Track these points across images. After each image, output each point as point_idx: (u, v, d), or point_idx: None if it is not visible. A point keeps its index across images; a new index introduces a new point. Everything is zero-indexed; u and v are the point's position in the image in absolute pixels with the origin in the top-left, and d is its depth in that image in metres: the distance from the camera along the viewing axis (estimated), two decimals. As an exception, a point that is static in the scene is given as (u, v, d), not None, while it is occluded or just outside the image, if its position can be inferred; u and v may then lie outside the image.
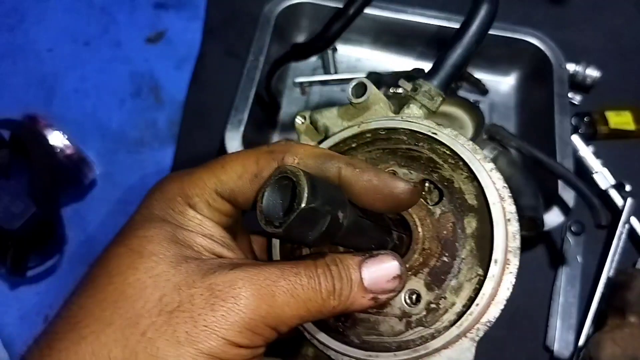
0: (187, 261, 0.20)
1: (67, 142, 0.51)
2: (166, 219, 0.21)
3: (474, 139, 0.49)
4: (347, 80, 0.61)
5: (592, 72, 0.60)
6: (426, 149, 0.25)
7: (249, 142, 0.51)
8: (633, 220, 0.52)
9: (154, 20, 0.66)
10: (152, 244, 0.20)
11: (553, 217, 0.47)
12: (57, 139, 0.51)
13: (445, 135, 0.24)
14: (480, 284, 0.22)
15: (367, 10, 0.59)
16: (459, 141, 0.24)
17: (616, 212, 0.52)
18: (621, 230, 0.51)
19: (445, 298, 0.22)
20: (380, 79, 0.56)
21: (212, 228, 0.22)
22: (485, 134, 0.50)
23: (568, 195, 0.48)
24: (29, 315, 0.50)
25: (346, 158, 0.22)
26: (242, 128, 0.51)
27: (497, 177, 0.23)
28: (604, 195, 0.54)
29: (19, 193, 0.46)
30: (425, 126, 0.24)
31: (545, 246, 0.53)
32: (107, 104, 0.60)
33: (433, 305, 0.22)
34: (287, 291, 0.19)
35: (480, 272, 0.22)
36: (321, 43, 0.45)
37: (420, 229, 0.23)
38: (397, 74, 0.57)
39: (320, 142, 0.27)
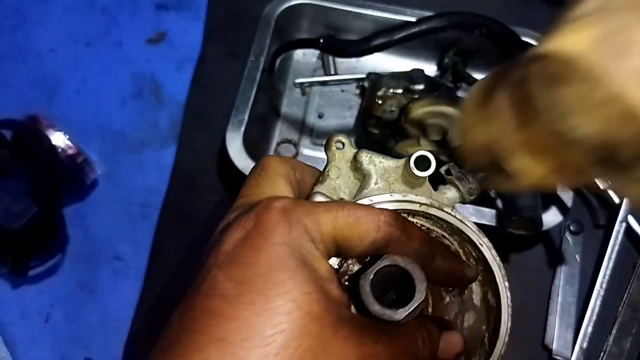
0: (341, 326, 0.20)
1: (68, 143, 0.52)
2: (311, 266, 0.20)
3: None
4: (347, 81, 0.62)
5: (591, 73, 0.60)
6: (457, 242, 0.27)
7: (249, 143, 0.51)
8: (630, 218, 0.53)
9: (155, 22, 0.66)
10: (315, 302, 0.19)
11: (551, 217, 0.48)
12: (58, 139, 0.52)
13: (480, 238, 0.26)
14: None
15: (367, 11, 0.60)
16: (492, 252, 0.26)
17: (614, 211, 0.53)
18: (618, 229, 0.52)
19: None
20: (380, 80, 0.56)
21: (335, 279, 0.22)
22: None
23: (566, 195, 0.49)
24: (30, 314, 0.50)
25: (441, 247, 0.25)
26: (243, 128, 0.51)
27: (510, 298, 0.26)
28: (602, 194, 0.54)
29: (20, 193, 0.46)
30: (470, 229, 0.26)
31: (544, 246, 0.53)
32: (109, 105, 0.60)
33: None
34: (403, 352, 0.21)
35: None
36: (354, 50, 0.46)
37: (430, 308, 0.27)
38: (396, 74, 0.57)
39: (360, 189, 0.27)
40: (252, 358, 0.18)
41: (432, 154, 0.25)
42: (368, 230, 0.22)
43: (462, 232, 0.26)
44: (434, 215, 0.26)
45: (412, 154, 0.25)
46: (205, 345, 0.18)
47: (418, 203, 0.25)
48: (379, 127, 0.53)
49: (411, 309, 0.22)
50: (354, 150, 0.28)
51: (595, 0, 0.14)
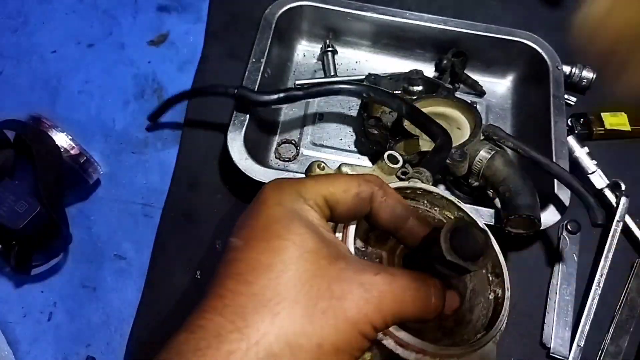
0: (338, 258, 0.24)
1: (71, 143, 0.52)
2: (303, 217, 0.24)
3: (471, 139, 0.49)
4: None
5: (588, 74, 0.61)
6: (438, 212, 0.31)
7: (250, 143, 0.51)
8: (627, 218, 0.53)
9: (157, 23, 0.67)
10: (309, 239, 0.23)
11: (549, 216, 0.48)
12: (61, 139, 0.52)
13: (460, 205, 0.31)
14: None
15: (367, 14, 0.61)
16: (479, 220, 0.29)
17: (611, 210, 0.53)
18: (615, 228, 0.52)
19: (464, 315, 0.28)
20: (379, 81, 0.57)
21: (328, 226, 0.26)
22: (483, 134, 0.50)
23: (564, 194, 0.49)
24: (33, 313, 0.50)
25: (416, 211, 0.28)
26: (244, 129, 0.52)
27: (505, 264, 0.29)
28: (599, 194, 0.55)
29: (23, 193, 0.47)
30: (449, 199, 0.31)
31: (542, 245, 0.53)
32: (111, 105, 0.61)
33: (458, 319, 0.28)
34: (413, 300, 0.24)
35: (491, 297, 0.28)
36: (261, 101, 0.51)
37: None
38: (395, 75, 0.58)
39: None
40: (260, 282, 0.22)
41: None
42: (349, 184, 0.26)
43: (444, 200, 0.30)
44: (421, 189, 0.30)
45: (384, 153, 0.31)
46: (224, 281, 0.23)
47: (405, 186, 0.30)
48: (379, 128, 0.53)
49: (487, 261, 0.23)
50: (335, 169, 0.33)
51: None
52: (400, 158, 0.31)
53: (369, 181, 0.26)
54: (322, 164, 0.32)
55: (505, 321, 0.27)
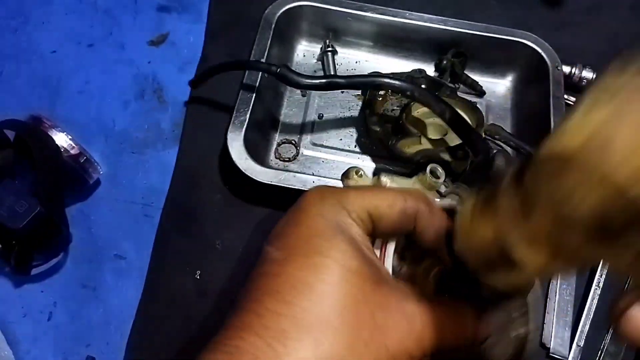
0: (381, 283, 0.23)
1: (71, 143, 0.52)
2: (347, 233, 0.23)
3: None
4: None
5: (588, 74, 0.61)
6: None
7: (250, 143, 0.52)
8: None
9: (157, 24, 0.67)
10: (352, 258, 0.22)
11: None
12: (61, 139, 0.52)
13: None
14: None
15: (367, 14, 0.61)
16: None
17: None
18: (615, 229, 0.52)
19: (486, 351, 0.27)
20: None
21: (370, 244, 0.25)
22: (485, 133, 0.51)
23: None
24: (33, 313, 0.50)
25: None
26: (244, 129, 0.52)
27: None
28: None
29: (23, 192, 0.47)
30: None
31: (542, 245, 0.53)
32: (111, 106, 0.61)
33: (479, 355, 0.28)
34: (451, 332, 0.23)
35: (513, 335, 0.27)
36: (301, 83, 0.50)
37: None
38: (397, 74, 0.58)
39: None
40: (300, 303, 0.21)
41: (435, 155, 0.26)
42: (395, 200, 0.25)
43: None
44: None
45: (427, 167, 0.30)
46: (262, 297, 0.22)
47: (449, 205, 0.28)
48: (381, 125, 0.53)
49: (530, 289, 0.23)
50: (373, 177, 0.31)
51: (578, 116, 0.18)
52: (442, 172, 0.30)
53: (414, 197, 0.25)
54: (360, 171, 0.31)
55: None
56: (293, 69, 0.51)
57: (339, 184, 0.33)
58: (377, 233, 0.25)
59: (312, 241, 0.23)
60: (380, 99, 0.54)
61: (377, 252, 0.26)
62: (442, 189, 0.31)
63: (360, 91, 0.61)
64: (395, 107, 0.53)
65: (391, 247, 0.26)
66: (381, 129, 0.53)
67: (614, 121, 0.17)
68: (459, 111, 0.54)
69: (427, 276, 0.28)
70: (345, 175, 0.31)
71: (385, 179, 0.30)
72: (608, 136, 0.17)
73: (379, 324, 0.21)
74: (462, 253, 0.22)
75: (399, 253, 0.28)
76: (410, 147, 0.52)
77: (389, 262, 0.25)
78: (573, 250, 0.18)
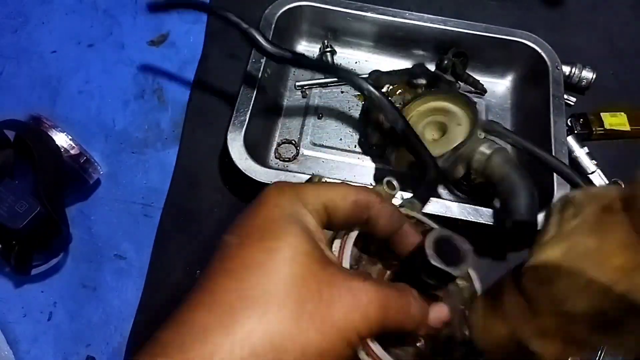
0: (329, 264, 0.24)
1: (71, 143, 0.52)
2: (300, 220, 0.25)
3: (466, 141, 0.49)
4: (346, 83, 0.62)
5: (588, 74, 0.61)
6: None
7: (250, 143, 0.52)
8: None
9: (157, 24, 0.67)
10: (303, 242, 0.24)
11: (549, 216, 0.48)
12: (61, 139, 0.52)
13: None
14: None
15: (367, 14, 0.61)
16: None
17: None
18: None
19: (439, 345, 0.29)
20: (381, 77, 0.57)
21: (322, 233, 0.26)
22: (482, 130, 0.50)
23: (565, 191, 0.49)
24: (33, 313, 0.50)
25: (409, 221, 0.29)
26: (244, 129, 0.52)
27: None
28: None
29: (23, 192, 0.47)
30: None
31: (542, 245, 0.53)
32: (111, 105, 0.61)
33: (435, 349, 0.29)
34: (396, 309, 0.24)
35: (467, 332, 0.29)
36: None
37: None
38: (398, 71, 0.58)
39: None
40: (250, 279, 0.22)
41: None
42: (348, 191, 0.26)
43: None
44: (415, 219, 0.31)
45: (384, 179, 0.32)
46: (214, 276, 0.23)
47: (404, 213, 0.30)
48: (378, 134, 0.53)
49: (467, 268, 0.24)
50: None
51: (552, 230, 0.22)
52: (397, 185, 0.32)
53: (366, 190, 0.27)
54: (323, 178, 0.34)
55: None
56: (263, 34, 0.49)
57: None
58: (333, 224, 0.27)
59: (267, 227, 0.24)
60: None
61: (338, 243, 0.27)
62: (396, 202, 0.33)
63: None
64: (397, 105, 0.53)
65: (351, 239, 0.27)
66: (377, 138, 0.53)
67: (584, 232, 0.20)
68: (454, 106, 0.53)
69: (382, 276, 0.29)
70: (308, 181, 0.34)
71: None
72: (584, 249, 0.20)
73: (325, 297, 0.22)
74: (484, 349, 0.25)
75: (355, 256, 0.29)
76: (401, 160, 0.52)
77: (347, 252, 0.27)
78: (582, 340, 0.21)
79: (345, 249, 0.27)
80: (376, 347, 0.24)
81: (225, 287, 0.22)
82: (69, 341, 0.49)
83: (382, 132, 0.53)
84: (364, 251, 0.29)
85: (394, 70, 0.58)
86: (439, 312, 0.26)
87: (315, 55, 0.65)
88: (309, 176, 0.49)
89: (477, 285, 0.29)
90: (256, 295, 0.22)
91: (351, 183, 0.34)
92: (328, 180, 0.33)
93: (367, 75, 0.58)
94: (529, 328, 0.22)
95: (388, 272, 0.29)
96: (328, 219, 0.26)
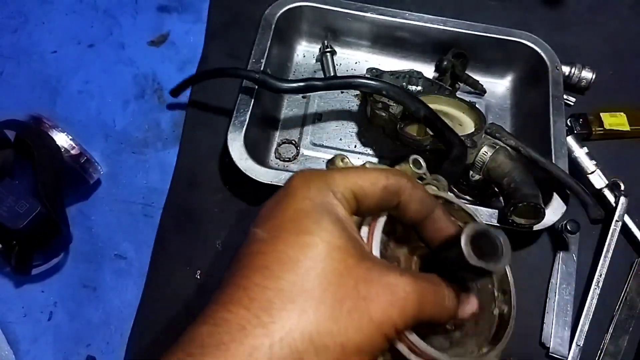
0: (365, 258, 0.24)
1: (71, 143, 0.52)
2: (332, 212, 0.24)
3: (478, 130, 0.50)
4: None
5: (587, 74, 0.61)
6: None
7: (250, 143, 0.52)
8: (626, 218, 0.53)
9: (157, 24, 0.67)
10: (337, 236, 0.23)
11: (549, 216, 0.48)
12: (61, 139, 0.52)
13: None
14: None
15: (366, 14, 0.61)
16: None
17: (611, 210, 0.54)
18: (614, 228, 0.52)
19: (470, 327, 0.29)
20: (381, 75, 0.57)
21: (354, 223, 0.26)
22: (485, 132, 0.51)
23: (564, 194, 0.49)
24: (33, 313, 0.50)
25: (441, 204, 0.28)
26: (244, 129, 0.52)
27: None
28: (598, 194, 0.55)
29: (23, 192, 0.47)
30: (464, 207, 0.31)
31: (541, 244, 0.54)
32: (111, 105, 0.61)
33: (463, 331, 0.29)
34: (430, 302, 0.24)
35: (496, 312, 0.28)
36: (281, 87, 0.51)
37: None
38: (396, 72, 0.58)
39: None
40: (288, 277, 0.22)
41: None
42: (378, 177, 0.26)
43: (463, 212, 0.30)
44: (443, 199, 0.30)
45: (409, 158, 0.31)
46: (250, 273, 0.22)
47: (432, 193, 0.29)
48: (386, 111, 0.53)
49: (507, 262, 0.23)
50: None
51: None
52: (423, 163, 0.31)
53: (396, 174, 0.26)
54: (345, 158, 0.32)
55: (509, 338, 0.28)
56: (273, 73, 0.52)
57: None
58: (362, 210, 0.26)
59: (299, 222, 0.23)
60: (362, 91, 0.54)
61: (366, 230, 0.27)
62: (420, 179, 0.33)
63: (358, 91, 0.61)
64: (392, 104, 0.53)
65: (380, 225, 0.27)
66: (387, 114, 0.53)
67: None
68: (458, 111, 0.54)
69: (410, 260, 0.29)
70: (331, 162, 0.32)
71: (370, 166, 0.32)
72: None
73: (362, 294, 0.22)
74: None
75: (383, 239, 0.28)
76: (418, 133, 0.52)
77: (377, 239, 0.26)
78: None
79: (374, 237, 0.26)
80: (415, 339, 0.24)
81: (261, 284, 0.22)
82: (69, 341, 0.49)
83: (390, 110, 0.53)
84: (391, 233, 0.29)
85: (391, 72, 0.58)
86: (470, 305, 0.26)
87: (316, 56, 0.65)
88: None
89: (509, 274, 0.28)
90: (294, 293, 0.21)
91: (376, 164, 0.32)
92: (349, 161, 0.32)
93: (365, 71, 0.58)
94: None
95: (415, 256, 0.29)
96: (357, 205, 0.26)
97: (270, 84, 0.51)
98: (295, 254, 0.22)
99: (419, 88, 0.57)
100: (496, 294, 0.29)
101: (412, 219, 0.27)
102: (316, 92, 0.61)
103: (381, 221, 0.27)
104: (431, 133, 0.49)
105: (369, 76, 0.54)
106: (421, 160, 0.31)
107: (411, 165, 0.30)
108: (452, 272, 0.25)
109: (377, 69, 0.57)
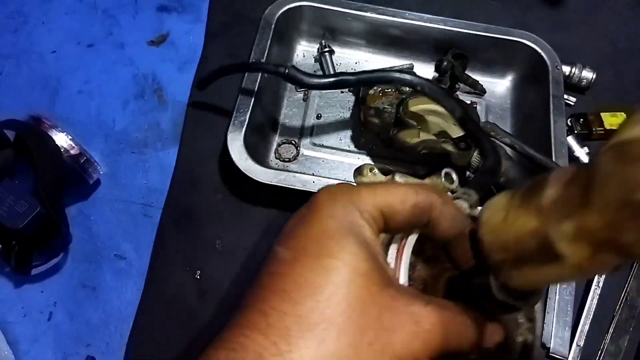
0: (390, 286, 0.23)
1: (71, 143, 0.52)
2: (358, 234, 0.23)
3: None
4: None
5: (588, 74, 0.61)
6: None
7: (250, 144, 0.52)
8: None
9: (157, 24, 0.67)
10: (362, 261, 0.22)
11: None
12: (61, 139, 0.52)
13: None
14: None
15: (366, 14, 0.61)
16: None
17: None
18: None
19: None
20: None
21: (380, 245, 0.25)
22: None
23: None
24: (32, 313, 0.50)
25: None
26: (244, 129, 0.52)
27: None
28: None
29: (23, 192, 0.47)
30: None
31: (542, 245, 0.53)
32: (111, 105, 0.61)
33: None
34: (457, 334, 0.23)
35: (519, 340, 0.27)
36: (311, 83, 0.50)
37: None
38: (385, 70, 0.58)
39: None
40: (307, 303, 0.21)
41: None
42: (407, 194, 0.24)
43: None
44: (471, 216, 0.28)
45: (441, 171, 0.29)
46: (268, 296, 0.22)
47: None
48: (379, 117, 0.53)
49: (538, 301, 0.22)
50: (385, 177, 0.31)
51: None
52: (456, 178, 0.30)
53: (427, 190, 0.25)
54: (374, 169, 0.31)
55: None
56: (300, 68, 0.50)
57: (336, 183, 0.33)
58: (391, 228, 0.25)
59: (322, 243, 0.22)
60: (373, 92, 0.54)
61: (394, 251, 0.25)
62: (450, 192, 0.31)
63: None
64: (386, 106, 0.53)
65: (409, 246, 0.25)
66: (379, 121, 0.53)
67: None
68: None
69: (437, 282, 0.27)
70: (358, 172, 0.31)
71: (399, 179, 0.30)
72: None
73: (385, 325, 0.21)
74: (489, 245, 0.22)
75: (413, 257, 0.27)
76: (411, 138, 0.52)
77: (405, 262, 0.25)
78: (628, 244, 0.17)
79: (402, 260, 0.25)
80: None
81: (279, 309, 0.21)
82: (69, 341, 0.49)
83: (382, 117, 0.53)
84: (419, 253, 0.27)
85: (386, 68, 0.58)
86: (494, 335, 0.25)
87: (314, 56, 0.65)
88: (309, 176, 0.50)
89: (538, 319, 0.27)
90: (314, 321, 0.21)
91: (406, 175, 0.30)
92: (379, 174, 0.30)
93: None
94: (568, 223, 0.18)
95: (442, 279, 0.27)
96: (385, 223, 0.25)
97: (300, 79, 0.49)
98: (316, 278, 0.21)
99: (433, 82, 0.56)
100: (521, 320, 0.28)
101: (442, 237, 0.25)
102: (318, 91, 0.61)
103: (411, 242, 0.25)
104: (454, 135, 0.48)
105: (406, 70, 0.52)
106: (454, 175, 0.30)
107: (443, 180, 0.29)
108: (479, 301, 0.24)
109: (386, 69, 0.57)
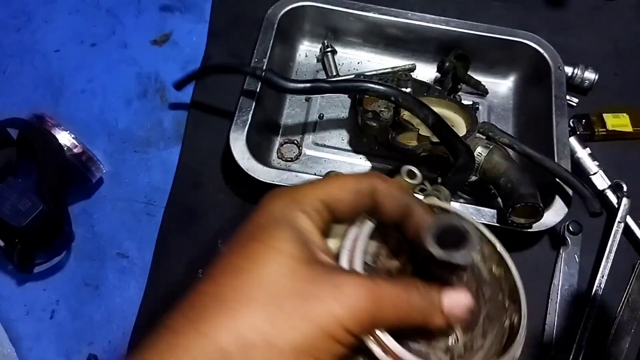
0: (316, 262, 0.24)
1: (74, 141, 0.52)
2: (290, 223, 0.24)
3: (469, 133, 0.50)
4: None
5: (590, 75, 0.61)
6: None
7: (253, 143, 0.52)
8: (629, 219, 0.53)
9: (160, 23, 0.67)
10: (287, 243, 0.23)
11: (551, 217, 0.48)
12: (64, 138, 0.52)
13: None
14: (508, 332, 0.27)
15: (369, 14, 0.61)
16: (484, 230, 0.28)
17: (613, 212, 0.53)
18: (616, 229, 0.52)
19: (476, 340, 0.27)
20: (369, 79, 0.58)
21: (318, 233, 0.26)
22: (479, 132, 0.51)
23: (566, 195, 0.49)
24: (35, 311, 0.50)
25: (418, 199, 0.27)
26: (246, 129, 0.52)
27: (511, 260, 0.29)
28: (601, 195, 0.55)
29: (26, 191, 0.47)
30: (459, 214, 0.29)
31: (543, 245, 0.54)
32: (114, 104, 0.61)
33: (468, 345, 0.27)
34: (391, 300, 0.23)
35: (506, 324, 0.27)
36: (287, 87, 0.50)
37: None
38: (383, 76, 0.58)
39: None
40: (227, 282, 0.22)
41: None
42: (346, 181, 0.26)
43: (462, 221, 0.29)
44: (438, 207, 0.29)
45: (402, 167, 0.30)
46: (197, 284, 0.23)
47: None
48: (377, 120, 0.53)
49: (471, 254, 0.22)
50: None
51: None
52: (418, 173, 0.30)
53: (367, 175, 0.26)
54: (337, 173, 0.32)
55: (520, 350, 0.26)
56: (278, 72, 0.51)
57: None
58: (339, 217, 0.26)
59: (254, 233, 0.24)
60: (368, 95, 0.54)
61: (351, 239, 0.26)
62: (421, 190, 0.32)
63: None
64: (382, 109, 0.53)
65: (363, 235, 0.26)
66: (377, 124, 0.53)
67: None
68: (449, 112, 0.54)
69: (402, 273, 0.27)
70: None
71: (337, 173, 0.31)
72: None
73: (307, 295, 0.22)
74: None
75: (374, 249, 0.27)
76: (410, 141, 0.52)
77: (359, 250, 0.25)
78: None
79: (356, 247, 0.25)
80: (386, 338, 0.23)
81: (202, 291, 0.23)
82: (71, 339, 0.49)
83: (380, 120, 0.53)
84: (382, 245, 0.28)
85: (380, 74, 0.58)
86: (454, 299, 0.24)
87: (316, 56, 0.65)
88: (311, 176, 0.50)
89: (512, 267, 0.27)
90: (230, 297, 0.22)
91: (360, 172, 0.32)
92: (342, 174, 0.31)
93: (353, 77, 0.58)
94: None
95: (409, 265, 0.27)
96: (331, 213, 0.25)
97: (275, 82, 0.50)
98: (241, 262, 0.23)
99: (408, 90, 0.57)
100: (506, 303, 0.28)
101: (390, 218, 0.26)
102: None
103: (365, 231, 0.26)
104: (434, 140, 0.49)
105: (376, 80, 0.53)
106: (415, 170, 0.30)
107: (404, 177, 0.29)
108: (430, 269, 0.25)
109: (364, 74, 0.57)
